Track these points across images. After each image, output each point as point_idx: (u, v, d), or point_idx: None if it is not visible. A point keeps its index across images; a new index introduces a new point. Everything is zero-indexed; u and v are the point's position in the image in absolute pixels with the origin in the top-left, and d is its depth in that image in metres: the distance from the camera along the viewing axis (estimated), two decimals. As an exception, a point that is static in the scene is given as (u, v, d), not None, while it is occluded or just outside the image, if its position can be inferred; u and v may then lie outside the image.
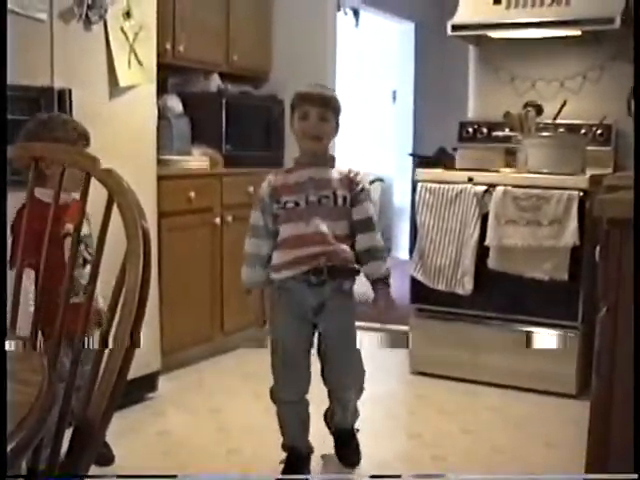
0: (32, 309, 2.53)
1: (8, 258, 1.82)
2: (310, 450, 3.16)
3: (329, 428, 3.32)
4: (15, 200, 2.17)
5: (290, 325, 3.03)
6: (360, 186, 3.04)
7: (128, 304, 1.42)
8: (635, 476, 1.98)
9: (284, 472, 3.09)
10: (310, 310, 3.00)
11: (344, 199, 2.99)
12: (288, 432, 3.13)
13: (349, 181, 3.02)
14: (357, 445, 3.30)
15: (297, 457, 3.13)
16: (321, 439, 3.21)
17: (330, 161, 3.08)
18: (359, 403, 3.27)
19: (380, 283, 3.05)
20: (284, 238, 2.98)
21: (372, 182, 8.49)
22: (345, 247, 2.97)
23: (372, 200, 3.18)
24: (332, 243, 2.94)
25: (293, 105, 3.03)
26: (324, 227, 2.93)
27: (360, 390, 3.22)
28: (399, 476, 3.07)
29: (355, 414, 3.28)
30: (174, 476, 2.90)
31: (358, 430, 3.33)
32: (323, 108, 2.97)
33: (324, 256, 2.93)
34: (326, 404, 3.22)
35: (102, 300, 2.99)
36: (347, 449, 3.29)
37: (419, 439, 3.63)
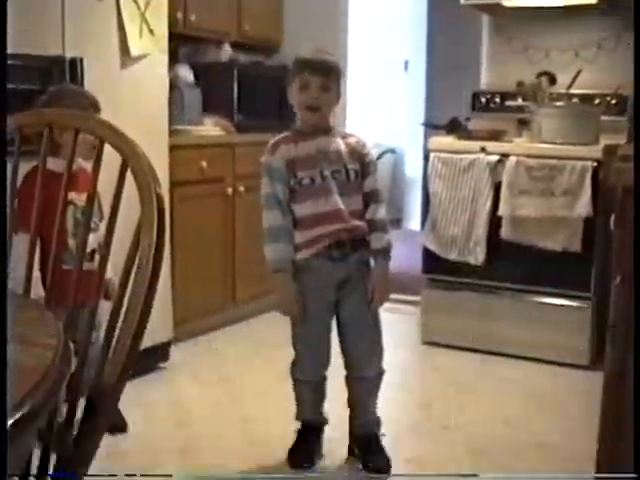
0: (37, 274, 2.56)
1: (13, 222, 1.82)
2: (324, 422, 3.15)
3: (352, 441, 3.13)
4: (24, 170, 2.17)
5: (314, 304, 2.93)
6: (368, 158, 2.97)
7: (142, 270, 1.41)
8: (635, 476, 1.98)
9: (296, 444, 3.09)
10: (334, 286, 2.91)
11: (355, 173, 2.90)
12: (304, 408, 3.10)
13: (358, 153, 2.94)
14: (382, 450, 3.05)
15: (310, 430, 3.12)
16: (335, 411, 3.21)
17: (331, 129, 2.97)
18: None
19: (380, 255, 2.93)
20: (303, 217, 2.86)
21: (383, 153, 8.47)
22: (361, 222, 2.89)
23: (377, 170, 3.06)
24: (349, 220, 2.87)
25: (293, 73, 2.87)
26: (341, 204, 2.85)
27: (379, 375, 3.05)
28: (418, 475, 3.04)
29: (377, 420, 3.10)
30: (169, 475, 2.90)
31: (384, 435, 3.11)
32: (324, 77, 2.83)
33: (344, 231, 2.87)
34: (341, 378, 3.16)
35: (111, 269, 3.00)
36: (371, 454, 3.04)
37: (430, 409, 3.64)
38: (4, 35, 1.71)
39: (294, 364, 3.05)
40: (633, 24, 3.61)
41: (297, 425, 3.13)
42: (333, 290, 2.92)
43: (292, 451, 3.07)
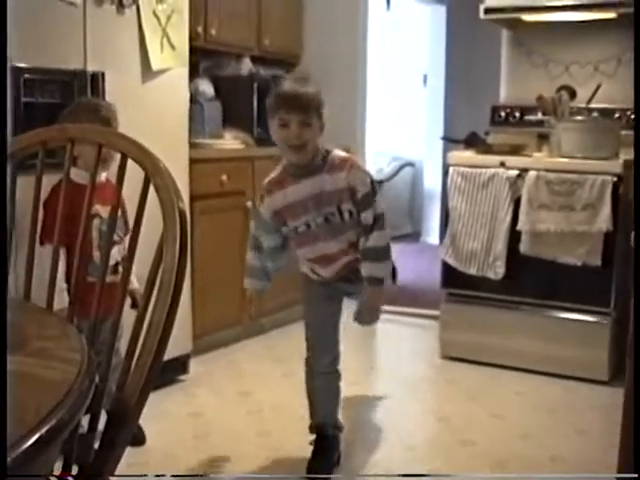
0: (63, 285, 2.58)
1: (38, 234, 1.84)
2: (340, 429, 3.16)
3: None
4: (46, 183, 2.19)
5: (322, 301, 3.05)
6: (361, 194, 2.82)
7: (165, 284, 1.42)
8: (635, 476, 1.97)
9: (314, 453, 3.09)
10: (343, 293, 3.06)
11: (350, 213, 2.84)
12: (319, 407, 3.12)
13: (351, 190, 2.81)
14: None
15: (326, 436, 3.12)
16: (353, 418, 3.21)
17: (323, 165, 2.84)
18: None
19: (373, 282, 2.87)
20: (305, 257, 3.00)
21: (402, 167, 8.47)
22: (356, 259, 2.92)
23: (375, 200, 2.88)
24: (350, 254, 2.92)
25: (271, 110, 2.78)
26: (339, 245, 2.89)
27: None
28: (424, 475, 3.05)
29: None
30: (201, 475, 2.92)
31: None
32: (304, 114, 2.70)
33: (346, 267, 2.96)
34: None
35: (136, 280, 3.02)
36: None
37: (448, 423, 3.63)
38: (4, 45, 1.72)
39: (308, 357, 3.11)
40: (633, 33, 3.58)
41: (312, 437, 3.14)
42: (342, 294, 3.06)
43: (310, 463, 3.07)
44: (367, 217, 2.82)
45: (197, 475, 2.90)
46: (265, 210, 2.92)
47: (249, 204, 2.97)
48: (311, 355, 3.11)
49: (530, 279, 4.25)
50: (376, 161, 7.77)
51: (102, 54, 3.46)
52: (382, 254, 2.86)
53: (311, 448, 3.11)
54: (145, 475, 2.75)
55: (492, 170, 4.25)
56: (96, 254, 2.94)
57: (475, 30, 5.84)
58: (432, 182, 8.19)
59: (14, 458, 0.90)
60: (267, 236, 2.96)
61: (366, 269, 2.86)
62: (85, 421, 1.50)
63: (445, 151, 4.88)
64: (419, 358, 4.56)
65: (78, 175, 2.52)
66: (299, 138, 2.73)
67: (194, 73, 4.42)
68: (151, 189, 1.57)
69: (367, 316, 2.96)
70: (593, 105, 4.52)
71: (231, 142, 4.63)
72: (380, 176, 7.20)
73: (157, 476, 2.67)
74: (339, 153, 2.90)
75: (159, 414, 3.51)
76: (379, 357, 4.82)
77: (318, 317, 3.08)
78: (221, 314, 4.46)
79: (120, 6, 3.51)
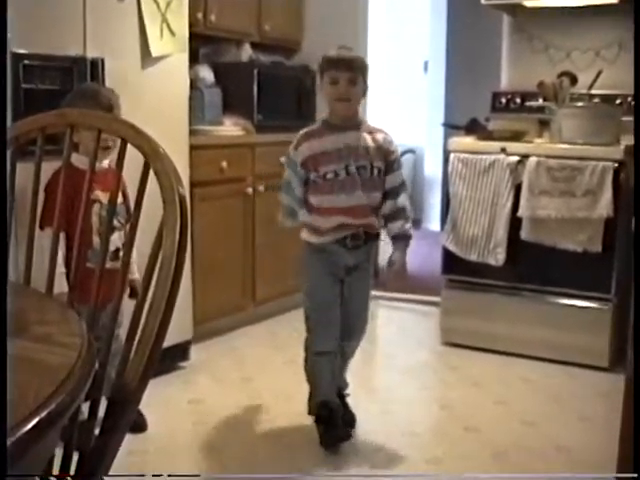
0: (62, 270, 2.58)
1: (38, 218, 1.84)
2: (339, 406, 3.20)
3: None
4: (47, 169, 2.18)
5: (325, 281, 3.12)
6: (394, 156, 3.15)
7: (165, 269, 1.42)
8: (635, 476, 1.97)
9: (323, 428, 3.15)
10: (343, 269, 3.13)
11: (379, 171, 3.09)
12: (321, 386, 3.18)
13: (384, 151, 3.11)
14: (347, 406, 3.32)
15: (331, 411, 3.16)
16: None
17: (361, 124, 3.15)
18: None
19: (400, 239, 3.17)
20: (325, 207, 3.07)
21: (403, 154, 8.45)
22: (376, 219, 3.12)
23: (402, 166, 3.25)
24: (368, 215, 3.08)
25: (322, 70, 3.09)
26: (363, 200, 3.05)
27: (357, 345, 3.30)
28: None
29: (345, 382, 3.33)
30: (197, 475, 2.92)
31: (349, 395, 3.35)
32: (352, 73, 3.03)
33: (362, 226, 3.08)
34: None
35: (137, 269, 3.01)
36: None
37: (451, 410, 3.63)
38: (4, 37, 1.71)
39: (308, 338, 3.19)
40: (634, 24, 3.56)
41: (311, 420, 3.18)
42: (342, 271, 3.14)
43: (322, 439, 3.14)
44: (396, 178, 3.14)
45: (195, 475, 2.90)
46: (298, 156, 3.08)
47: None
48: (311, 337, 3.17)
49: (530, 265, 4.24)
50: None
51: (102, 40, 3.45)
52: (408, 213, 3.18)
53: (314, 430, 3.16)
54: (142, 475, 2.75)
55: (493, 156, 4.24)
56: (96, 240, 2.94)
57: (476, 16, 5.83)
58: (433, 169, 8.18)
59: (14, 442, 0.90)
60: (299, 182, 3.09)
61: (399, 227, 3.14)
62: (85, 408, 1.50)
63: (446, 137, 4.87)
64: (420, 344, 4.56)
65: (79, 161, 2.51)
66: (346, 93, 3.04)
67: (194, 59, 4.40)
68: (152, 175, 1.56)
69: (397, 270, 3.16)
70: (594, 91, 4.51)
71: (231, 129, 4.62)
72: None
73: (155, 476, 2.68)
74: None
75: (160, 401, 3.51)
76: (380, 343, 4.82)
77: (321, 297, 3.13)
78: (222, 301, 4.46)
79: (119, -8, 3.50)
